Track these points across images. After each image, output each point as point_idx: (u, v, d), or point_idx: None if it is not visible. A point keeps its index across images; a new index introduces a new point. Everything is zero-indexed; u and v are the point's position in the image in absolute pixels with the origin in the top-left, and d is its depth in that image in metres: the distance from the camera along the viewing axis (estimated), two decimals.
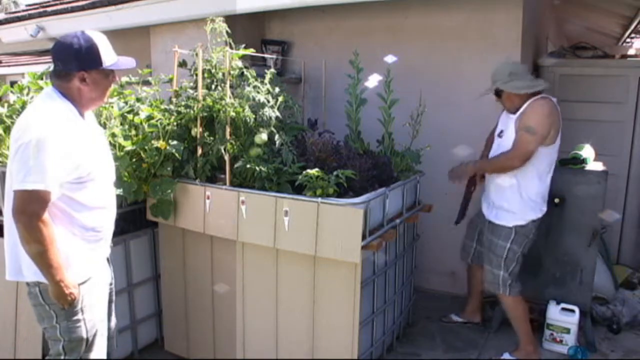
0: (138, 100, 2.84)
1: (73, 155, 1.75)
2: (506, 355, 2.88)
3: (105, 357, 2.06)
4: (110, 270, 2.15)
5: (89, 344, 1.94)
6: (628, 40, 5.98)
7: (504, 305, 2.89)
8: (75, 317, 1.88)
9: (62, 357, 1.91)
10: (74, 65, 1.78)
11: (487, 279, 2.87)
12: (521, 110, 2.68)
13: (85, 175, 1.81)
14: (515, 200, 2.71)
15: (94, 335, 1.95)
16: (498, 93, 2.76)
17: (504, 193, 2.75)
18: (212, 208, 2.56)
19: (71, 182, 1.78)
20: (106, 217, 1.98)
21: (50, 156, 1.68)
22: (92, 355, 1.96)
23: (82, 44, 1.77)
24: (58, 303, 1.82)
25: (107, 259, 2.12)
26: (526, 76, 2.74)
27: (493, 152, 2.86)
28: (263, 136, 2.52)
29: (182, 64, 2.84)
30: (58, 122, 1.74)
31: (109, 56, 1.84)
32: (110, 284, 2.16)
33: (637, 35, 6.17)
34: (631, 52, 4.25)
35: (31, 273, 1.80)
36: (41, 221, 1.69)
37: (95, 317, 1.95)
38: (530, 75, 2.77)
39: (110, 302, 2.16)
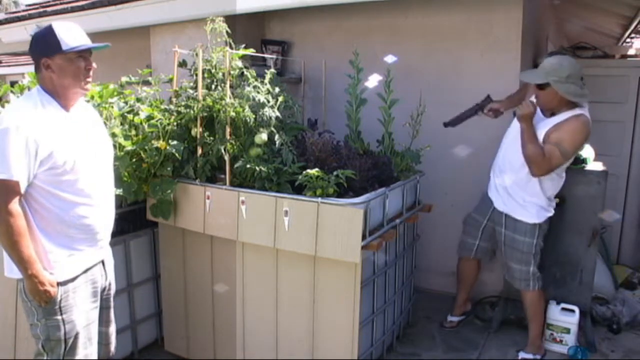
0: (138, 100, 2.84)
1: (42, 143, 1.72)
2: (522, 354, 2.88)
3: None
4: (106, 275, 2.07)
5: (70, 347, 1.89)
6: (628, 40, 5.97)
7: (527, 300, 2.86)
8: (54, 317, 1.85)
9: (44, 358, 1.88)
10: (36, 53, 1.81)
11: (515, 276, 2.84)
12: (559, 120, 2.61)
13: (60, 165, 1.77)
14: (539, 198, 2.72)
15: (75, 338, 1.90)
16: (542, 85, 2.61)
17: (528, 190, 2.72)
18: (212, 208, 2.56)
19: (47, 174, 1.76)
20: (95, 215, 1.91)
21: (12, 145, 1.66)
22: (77, 358, 1.92)
23: (40, 32, 1.80)
24: (34, 299, 1.80)
25: (103, 263, 2.05)
26: (579, 81, 2.61)
27: (509, 149, 2.77)
28: (263, 136, 2.52)
29: (182, 64, 2.84)
30: (24, 113, 1.74)
31: (69, 39, 1.79)
32: (107, 290, 2.10)
33: (637, 35, 6.17)
34: (631, 52, 4.25)
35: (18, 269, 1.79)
36: (7, 212, 1.68)
37: (77, 320, 1.90)
38: (580, 81, 2.63)
39: (107, 308, 2.11)
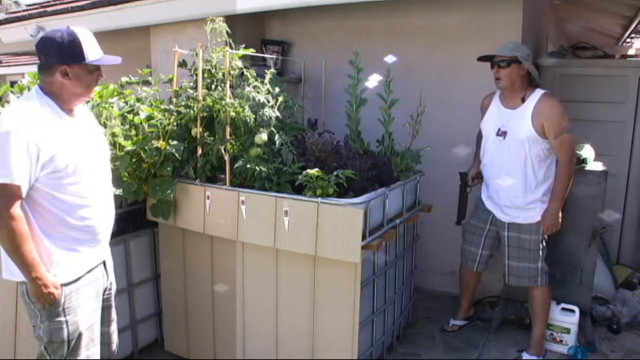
0: (138, 100, 2.84)
1: (44, 147, 1.71)
2: (525, 355, 2.87)
3: None
4: (108, 275, 2.09)
5: (73, 348, 1.89)
6: (628, 40, 5.98)
7: (536, 296, 2.85)
8: (57, 319, 1.85)
9: (47, 359, 1.88)
10: (55, 58, 1.78)
11: (522, 274, 2.83)
12: (533, 107, 2.63)
13: (62, 169, 1.77)
14: (537, 197, 2.72)
15: (78, 339, 1.90)
16: (502, 64, 2.69)
17: (524, 193, 2.72)
18: (212, 208, 2.56)
19: (48, 177, 1.76)
20: (96, 217, 1.92)
21: (14, 149, 1.66)
22: (79, 359, 1.92)
23: (64, 37, 1.77)
24: (38, 302, 1.80)
25: (104, 264, 2.06)
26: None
27: (494, 154, 2.80)
28: (263, 136, 2.52)
29: (182, 64, 2.84)
30: (25, 116, 1.74)
31: (92, 51, 1.81)
32: (109, 290, 2.11)
33: (637, 35, 6.18)
34: (631, 52, 4.24)
35: (19, 272, 1.78)
36: (10, 216, 1.67)
37: (80, 321, 1.90)
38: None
39: (109, 307, 2.11)
